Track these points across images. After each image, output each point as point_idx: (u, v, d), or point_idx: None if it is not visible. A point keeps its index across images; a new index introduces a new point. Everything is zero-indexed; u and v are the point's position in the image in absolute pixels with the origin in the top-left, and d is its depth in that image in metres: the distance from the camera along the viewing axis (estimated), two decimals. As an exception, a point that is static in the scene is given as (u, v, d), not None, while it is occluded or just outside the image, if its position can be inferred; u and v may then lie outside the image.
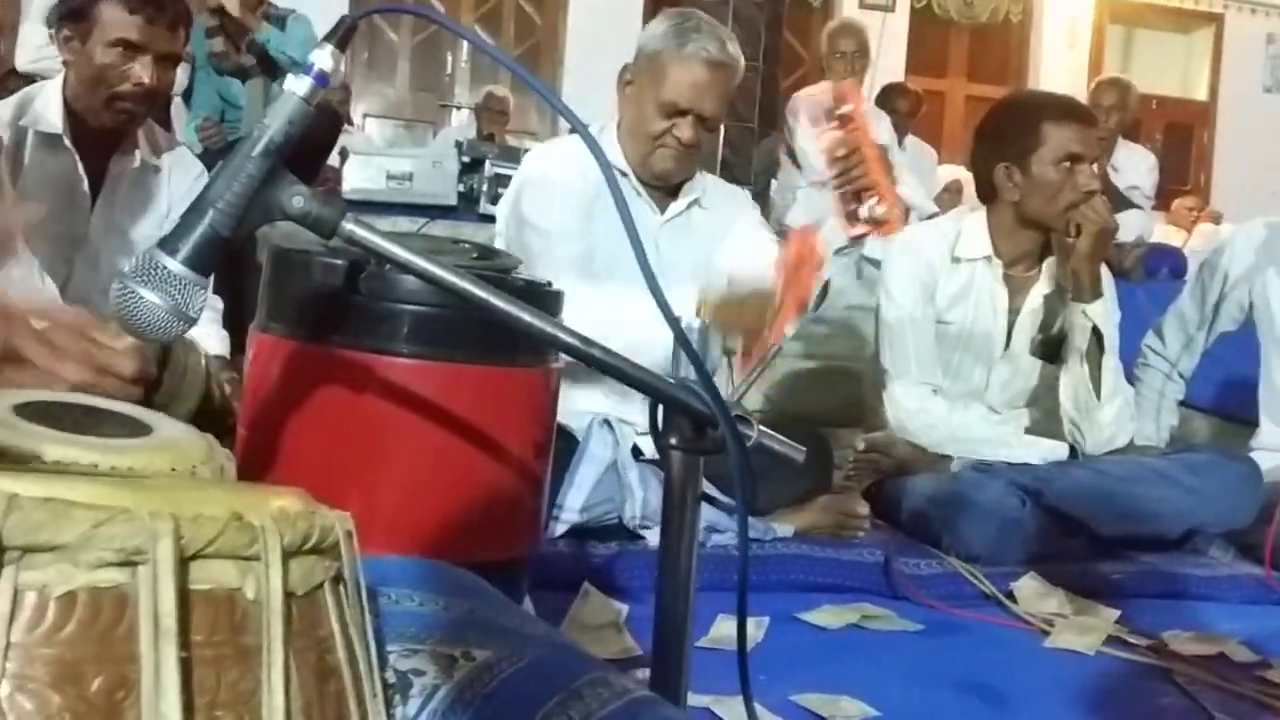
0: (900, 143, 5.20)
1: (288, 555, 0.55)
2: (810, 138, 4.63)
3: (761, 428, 0.95)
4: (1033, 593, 1.93)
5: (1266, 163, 7.19)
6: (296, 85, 0.85)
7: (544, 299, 1.24)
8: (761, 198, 4.73)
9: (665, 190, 2.23)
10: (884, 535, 2.24)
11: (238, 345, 2.28)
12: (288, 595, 0.55)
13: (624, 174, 2.16)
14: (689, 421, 0.91)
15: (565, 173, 2.13)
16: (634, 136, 2.17)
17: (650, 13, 7.51)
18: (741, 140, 5.66)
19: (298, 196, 0.84)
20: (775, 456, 0.98)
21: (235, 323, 2.40)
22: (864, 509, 2.24)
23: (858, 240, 1.86)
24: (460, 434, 1.14)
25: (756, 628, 1.62)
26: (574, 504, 1.89)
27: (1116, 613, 1.84)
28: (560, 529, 1.88)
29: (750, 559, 1.91)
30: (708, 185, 2.30)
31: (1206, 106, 8.94)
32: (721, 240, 2.23)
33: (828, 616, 1.75)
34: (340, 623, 0.60)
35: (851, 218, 1.80)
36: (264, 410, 1.16)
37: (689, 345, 0.88)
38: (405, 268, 0.85)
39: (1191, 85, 9.06)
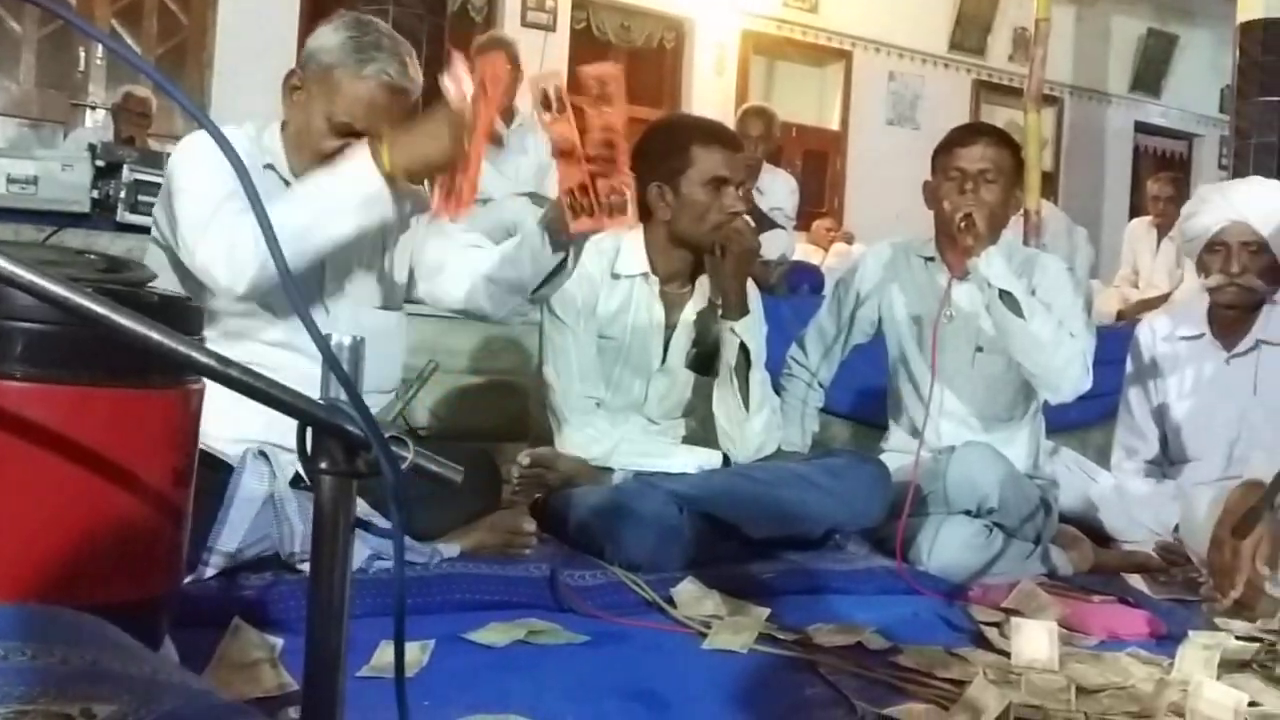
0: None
1: None
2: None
3: (418, 449, 0.93)
4: (691, 597, 2.00)
5: (890, 188, 7.88)
6: None
7: (182, 315, 1.16)
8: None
9: None
10: (551, 549, 2.26)
11: None
12: None
13: (286, 181, 2.03)
14: (340, 445, 0.87)
15: (219, 158, 1.96)
16: (300, 148, 2.03)
17: (307, 14, 7.24)
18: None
19: (-127, 199, 0.73)
20: (433, 478, 0.95)
21: None
22: (530, 524, 2.25)
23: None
24: (85, 463, 1.04)
25: (421, 652, 1.58)
26: (227, 545, 1.75)
27: (767, 610, 1.94)
28: (210, 572, 1.75)
29: (413, 581, 1.87)
30: None
31: (839, 135, 9.70)
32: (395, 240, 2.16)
33: (494, 634, 1.74)
34: (-79, 691, 0.52)
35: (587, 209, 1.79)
36: None
37: (339, 365, 0.84)
38: (9, 282, 0.76)
39: (826, 115, 9.80)
